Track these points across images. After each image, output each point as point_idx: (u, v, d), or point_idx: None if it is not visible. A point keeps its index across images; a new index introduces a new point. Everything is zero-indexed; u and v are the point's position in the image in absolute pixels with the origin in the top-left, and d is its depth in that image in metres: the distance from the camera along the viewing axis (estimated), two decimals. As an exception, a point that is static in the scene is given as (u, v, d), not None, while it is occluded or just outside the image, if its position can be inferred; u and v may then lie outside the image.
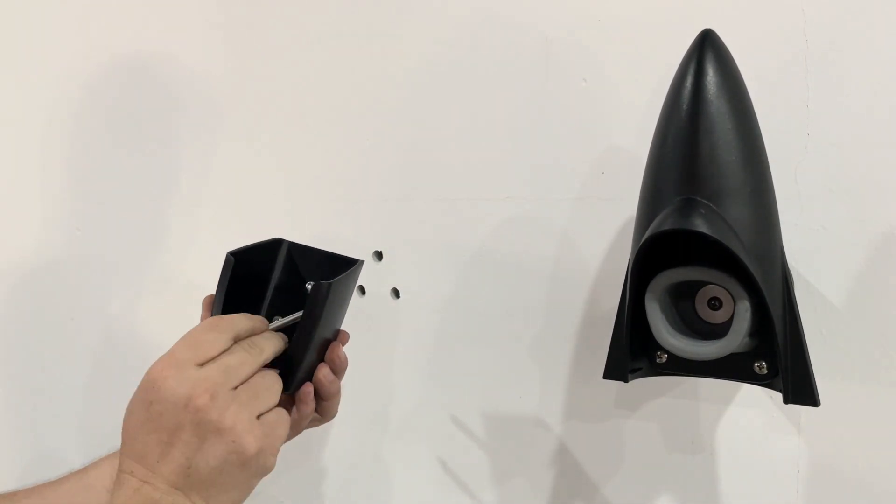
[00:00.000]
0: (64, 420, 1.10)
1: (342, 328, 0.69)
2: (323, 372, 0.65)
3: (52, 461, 1.12)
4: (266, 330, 0.62)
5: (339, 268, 0.66)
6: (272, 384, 0.59)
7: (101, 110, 1.02)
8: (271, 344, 0.61)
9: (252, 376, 0.57)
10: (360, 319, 0.86)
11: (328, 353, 0.66)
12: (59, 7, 1.04)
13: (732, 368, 0.59)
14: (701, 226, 0.53)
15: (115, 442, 1.07)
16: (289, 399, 0.64)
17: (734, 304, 0.56)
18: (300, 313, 0.63)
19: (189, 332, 0.58)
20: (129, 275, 1.00)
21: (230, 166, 0.92)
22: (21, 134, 1.09)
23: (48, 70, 1.06)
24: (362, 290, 0.86)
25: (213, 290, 0.65)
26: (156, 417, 0.54)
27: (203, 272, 0.97)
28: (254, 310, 0.67)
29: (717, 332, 0.59)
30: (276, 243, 0.70)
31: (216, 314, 0.63)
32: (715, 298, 0.59)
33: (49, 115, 1.06)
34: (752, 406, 0.67)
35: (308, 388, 0.65)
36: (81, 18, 1.02)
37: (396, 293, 0.84)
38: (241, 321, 0.60)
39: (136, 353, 1.04)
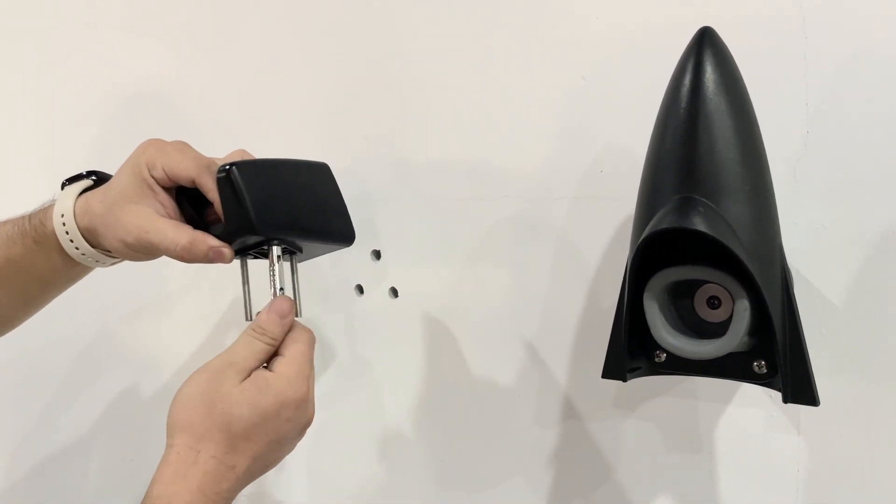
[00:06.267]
0: (58, 419, 1.10)
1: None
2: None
3: (46, 458, 1.12)
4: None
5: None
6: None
7: (114, 138, 1.01)
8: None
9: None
10: (358, 318, 0.86)
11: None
12: (74, 40, 1.04)
13: (731, 368, 0.59)
14: (699, 224, 0.53)
15: (107, 440, 1.07)
16: None
17: (733, 303, 0.56)
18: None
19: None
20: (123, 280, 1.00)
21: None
22: (37, 153, 1.09)
23: (56, 100, 1.06)
24: (360, 290, 0.85)
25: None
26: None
27: (192, 277, 0.97)
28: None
29: (715, 331, 0.58)
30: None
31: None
32: (714, 297, 0.59)
33: (65, 140, 1.06)
34: (752, 405, 0.67)
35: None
36: (90, 51, 1.02)
37: (395, 292, 0.84)
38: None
39: (132, 354, 1.04)
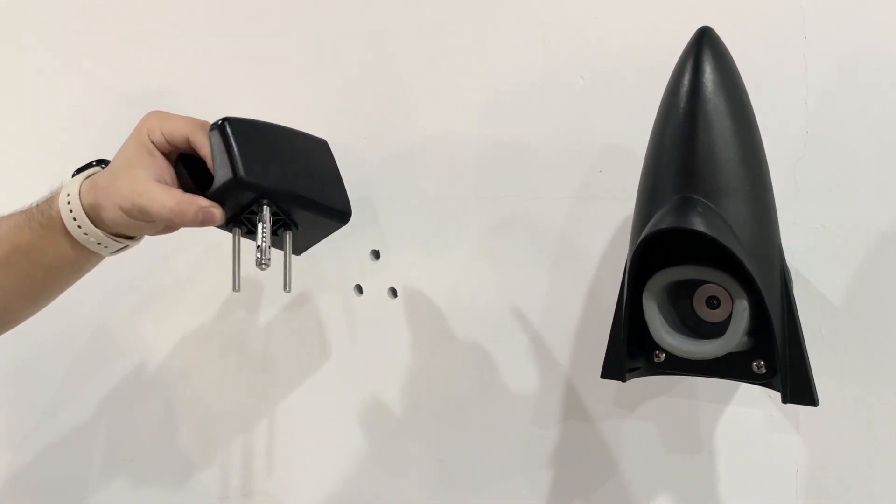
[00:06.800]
0: (58, 415, 1.10)
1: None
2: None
3: (47, 457, 1.12)
4: None
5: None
6: None
7: (114, 138, 1.01)
8: None
9: None
10: (357, 318, 0.86)
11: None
12: (72, 40, 1.04)
13: (731, 368, 0.59)
14: (699, 224, 0.53)
15: (107, 439, 1.07)
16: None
17: (732, 303, 0.56)
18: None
19: None
20: (124, 275, 1.00)
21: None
22: (36, 153, 1.09)
23: (62, 100, 1.06)
24: (360, 290, 0.86)
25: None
26: None
27: (195, 270, 0.97)
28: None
29: (715, 331, 0.58)
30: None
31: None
32: (713, 297, 0.59)
33: (64, 139, 1.06)
34: (751, 405, 0.67)
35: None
36: (89, 51, 1.03)
37: (394, 292, 0.84)
38: None
39: (132, 352, 1.04)
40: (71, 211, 0.68)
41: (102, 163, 0.72)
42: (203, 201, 0.65)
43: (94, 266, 0.74)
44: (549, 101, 0.72)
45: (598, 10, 0.69)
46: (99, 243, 0.69)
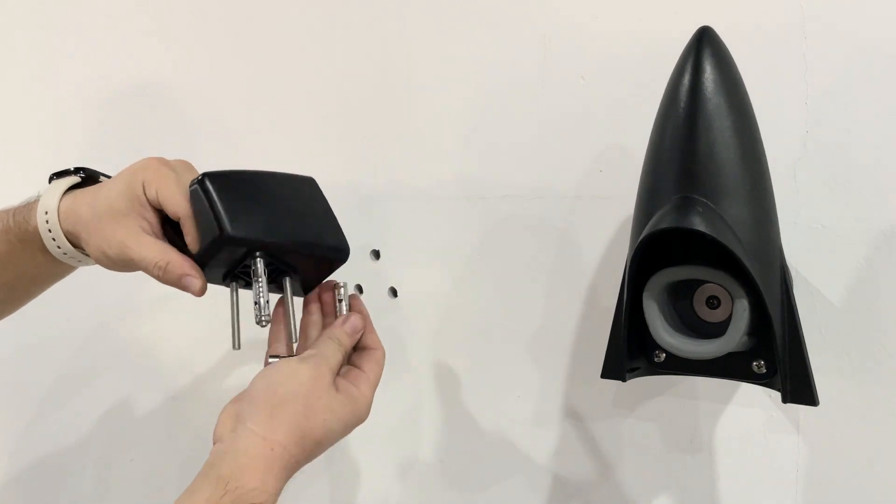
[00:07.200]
0: (57, 416, 1.10)
1: None
2: None
3: (46, 458, 1.12)
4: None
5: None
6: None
7: (111, 134, 1.02)
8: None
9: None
10: (357, 318, 0.86)
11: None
12: (70, 34, 1.04)
13: (731, 367, 0.59)
14: (699, 224, 0.53)
15: (107, 439, 1.07)
16: None
17: (732, 303, 0.56)
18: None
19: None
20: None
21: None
22: (32, 151, 1.09)
23: (58, 94, 1.06)
24: (360, 290, 0.85)
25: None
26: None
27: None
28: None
29: (715, 330, 0.58)
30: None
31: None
32: (713, 297, 0.59)
33: (59, 136, 1.06)
34: (751, 405, 0.67)
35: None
36: (92, 46, 1.02)
37: (394, 292, 0.84)
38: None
39: (130, 351, 1.04)
40: (50, 231, 0.66)
41: (80, 171, 0.69)
42: (188, 269, 0.63)
43: (72, 272, 0.73)
44: (549, 100, 0.72)
45: (598, 10, 0.69)
46: (80, 262, 0.69)
